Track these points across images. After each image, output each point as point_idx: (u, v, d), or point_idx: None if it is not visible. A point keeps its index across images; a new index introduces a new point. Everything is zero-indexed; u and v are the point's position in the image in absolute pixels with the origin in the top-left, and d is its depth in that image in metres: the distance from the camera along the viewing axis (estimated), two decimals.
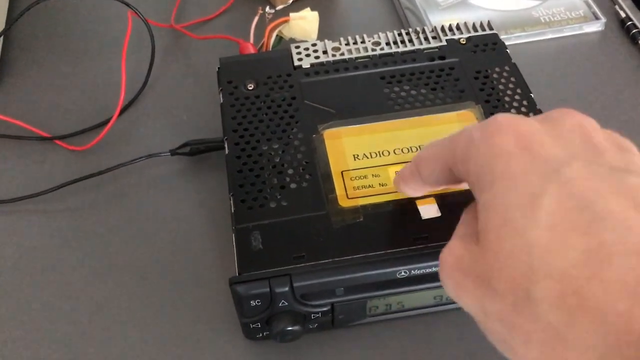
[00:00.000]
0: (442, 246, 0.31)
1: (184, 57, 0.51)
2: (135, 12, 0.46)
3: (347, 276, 0.31)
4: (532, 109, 0.38)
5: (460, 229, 0.26)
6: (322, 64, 0.41)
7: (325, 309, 0.32)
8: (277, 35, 0.46)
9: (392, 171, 0.35)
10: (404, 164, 0.35)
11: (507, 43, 0.50)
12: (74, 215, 0.41)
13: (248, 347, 0.35)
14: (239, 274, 0.31)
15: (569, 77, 0.48)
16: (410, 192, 0.31)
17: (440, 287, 0.32)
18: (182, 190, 0.42)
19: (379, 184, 0.35)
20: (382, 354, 0.35)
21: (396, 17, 0.53)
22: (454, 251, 0.25)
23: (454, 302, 0.35)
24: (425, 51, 0.41)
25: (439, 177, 0.27)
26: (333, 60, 0.41)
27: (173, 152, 0.42)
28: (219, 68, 0.41)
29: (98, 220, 0.40)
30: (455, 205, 0.33)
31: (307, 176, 0.35)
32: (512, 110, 0.38)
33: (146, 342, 0.35)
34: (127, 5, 0.46)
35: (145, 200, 0.41)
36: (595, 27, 0.51)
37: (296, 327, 0.32)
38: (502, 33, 0.50)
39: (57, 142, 0.45)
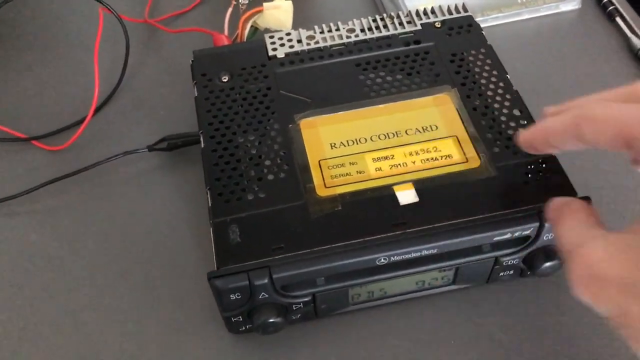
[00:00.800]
0: (421, 232, 0.31)
1: (159, 52, 0.50)
2: (107, 8, 0.46)
3: (327, 265, 0.31)
4: (509, 91, 0.38)
5: (591, 232, 0.26)
6: (296, 53, 0.41)
7: (306, 299, 0.32)
8: (251, 26, 0.46)
9: (369, 158, 0.35)
10: (381, 151, 0.35)
11: (484, 25, 0.50)
12: (53, 216, 0.40)
13: (232, 341, 0.34)
14: (217, 268, 0.31)
15: (547, 56, 0.48)
16: (538, 148, 0.30)
17: (421, 272, 0.33)
18: (161, 186, 0.41)
19: (357, 171, 0.34)
20: (368, 341, 0.34)
21: (372, 2, 0.53)
22: (591, 257, 0.24)
23: (437, 287, 0.35)
24: (400, 36, 0.41)
25: (605, 141, 0.26)
26: (308, 49, 0.41)
27: (150, 148, 0.42)
28: (192, 61, 0.41)
29: (77, 219, 0.40)
30: (433, 190, 0.33)
31: (285, 167, 0.35)
32: (488, 93, 0.38)
33: (129, 339, 0.35)
34: (99, 1, 0.46)
35: (124, 198, 0.41)
36: (571, 5, 0.51)
37: (278, 319, 0.32)
38: (479, 15, 0.50)
39: (34, 142, 0.44)
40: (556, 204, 0.29)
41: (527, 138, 0.30)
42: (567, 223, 0.27)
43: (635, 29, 0.48)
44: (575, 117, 0.27)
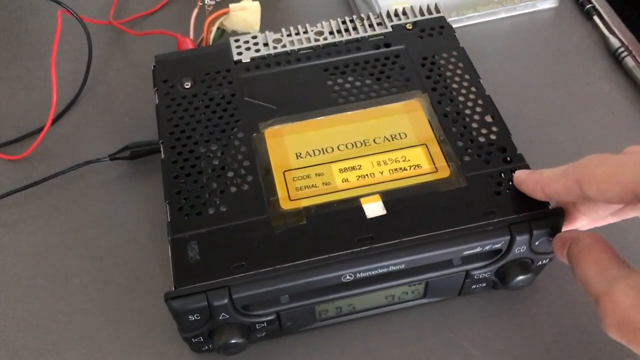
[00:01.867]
0: (388, 247, 0.30)
1: (124, 55, 0.48)
2: (67, 10, 0.44)
3: (289, 284, 0.29)
4: (481, 96, 0.36)
5: (613, 274, 0.25)
6: (263, 57, 0.39)
7: (270, 318, 0.31)
8: (218, 28, 0.44)
9: (336, 169, 0.33)
10: (348, 161, 0.34)
11: (459, 24, 0.49)
12: (10, 230, 0.39)
13: None
14: (175, 288, 0.29)
15: (523, 56, 0.47)
16: (535, 196, 0.30)
17: (390, 287, 0.31)
18: (123, 197, 0.40)
19: (323, 182, 0.33)
20: (337, 356, 0.33)
21: (345, 3, 0.51)
22: (620, 305, 0.24)
23: (407, 301, 0.34)
24: (370, 39, 0.40)
25: (613, 199, 0.26)
26: (274, 53, 0.39)
27: (112, 157, 0.40)
28: (154, 66, 0.39)
29: (36, 232, 0.39)
30: (401, 202, 0.32)
31: (248, 179, 0.33)
32: (460, 98, 0.36)
33: (87, 358, 0.33)
34: (58, 2, 0.44)
35: (86, 209, 0.39)
36: (549, 3, 0.50)
37: (240, 340, 0.30)
38: (454, 14, 0.48)
39: None
40: (565, 240, 0.29)
41: (525, 189, 0.31)
42: (587, 266, 0.27)
43: (613, 27, 0.47)
44: (576, 181, 0.27)
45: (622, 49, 0.45)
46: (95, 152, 0.41)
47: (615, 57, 0.46)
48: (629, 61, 0.45)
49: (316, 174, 0.33)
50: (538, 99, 0.44)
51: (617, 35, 0.47)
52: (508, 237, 0.30)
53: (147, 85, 0.45)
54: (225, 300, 0.29)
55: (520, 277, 0.32)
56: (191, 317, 0.29)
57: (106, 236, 0.38)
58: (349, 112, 0.36)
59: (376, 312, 0.34)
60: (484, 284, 0.34)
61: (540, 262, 0.33)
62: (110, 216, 0.39)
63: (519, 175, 0.31)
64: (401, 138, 0.35)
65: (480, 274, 0.32)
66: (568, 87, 0.45)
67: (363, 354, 0.33)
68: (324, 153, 0.34)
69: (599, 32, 0.47)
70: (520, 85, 0.45)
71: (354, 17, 0.41)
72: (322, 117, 0.36)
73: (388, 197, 0.32)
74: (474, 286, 0.34)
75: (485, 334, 0.34)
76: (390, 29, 0.40)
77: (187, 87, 0.38)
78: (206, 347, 0.32)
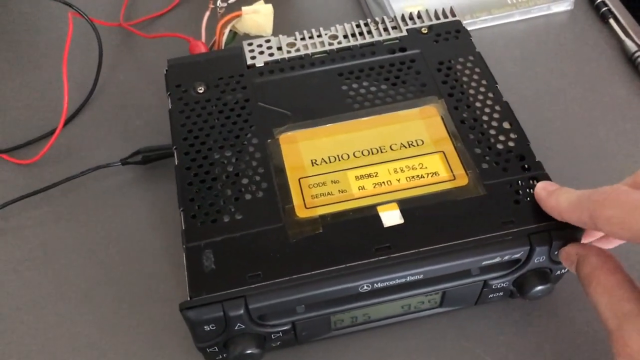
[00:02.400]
0: (406, 257, 0.29)
1: (134, 58, 0.48)
2: (78, 12, 0.43)
3: (306, 294, 0.29)
4: (498, 102, 0.36)
5: (626, 309, 0.25)
6: (276, 61, 0.39)
7: (285, 327, 0.31)
8: (230, 31, 0.43)
9: (352, 176, 0.33)
10: (364, 168, 0.33)
11: (472, 27, 0.48)
12: (21, 234, 0.39)
13: None
14: (190, 297, 0.29)
15: (538, 59, 0.46)
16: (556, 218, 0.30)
17: (408, 297, 0.31)
18: (135, 202, 0.39)
19: (339, 190, 0.33)
20: None
21: (358, 6, 0.51)
22: (631, 347, 0.24)
23: (423, 310, 0.33)
24: (385, 43, 0.39)
25: (623, 238, 0.26)
26: (288, 58, 0.39)
27: (124, 162, 0.40)
28: (166, 71, 0.39)
29: (46, 237, 0.38)
30: (418, 210, 0.31)
31: (263, 186, 0.33)
32: (477, 104, 0.36)
33: None
34: (68, 5, 0.43)
35: (96, 215, 0.39)
36: (564, 6, 0.49)
37: (255, 350, 0.30)
38: (468, 17, 0.48)
39: (2, 155, 0.42)
40: (570, 254, 0.29)
41: (544, 209, 0.30)
42: (598, 293, 0.26)
43: (630, 31, 0.47)
44: (590, 217, 0.27)
45: (638, 53, 0.45)
46: (106, 156, 0.41)
47: (631, 61, 0.45)
48: None
49: (332, 181, 0.33)
50: (553, 103, 0.44)
51: (634, 38, 0.46)
52: (527, 247, 0.30)
53: (158, 88, 0.45)
54: (242, 311, 0.28)
55: (539, 287, 0.31)
56: (206, 328, 0.29)
57: (118, 242, 0.38)
58: (364, 118, 0.36)
59: (391, 321, 0.34)
60: (501, 294, 0.33)
61: (559, 272, 0.32)
62: (121, 222, 0.39)
63: (539, 194, 0.31)
64: (418, 145, 0.34)
65: (498, 283, 0.32)
66: (584, 92, 0.44)
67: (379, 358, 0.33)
68: (339, 160, 0.34)
69: (615, 36, 0.47)
70: (535, 89, 0.44)
71: (369, 20, 0.40)
72: (337, 123, 0.35)
73: (405, 206, 0.31)
74: (491, 295, 0.33)
75: (502, 344, 0.33)
76: (405, 33, 0.40)
77: (201, 92, 0.37)
78: (220, 357, 0.32)
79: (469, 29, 0.41)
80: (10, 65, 0.48)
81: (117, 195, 0.40)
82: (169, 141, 0.39)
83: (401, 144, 0.34)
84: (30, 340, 0.34)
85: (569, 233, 0.30)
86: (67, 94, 0.41)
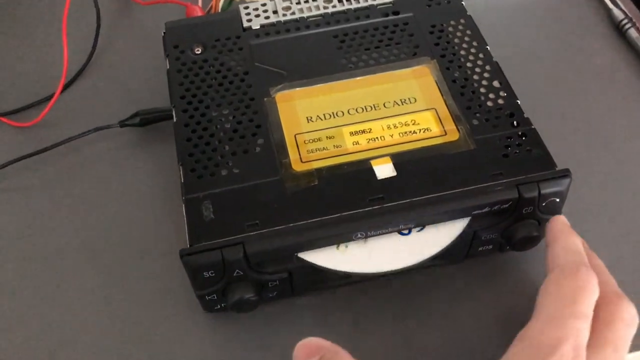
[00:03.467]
0: (399, 206, 0.30)
1: (132, 24, 0.48)
2: None
3: (302, 240, 0.30)
4: (488, 62, 0.37)
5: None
6: (272, 24, 0.40)
7: (283, 275, 0.32)
8: None
9: (346, 132, 0.34)
10: (358, 124, 0.34)
11: None
12: (22, 194, 0.39)
13: (207, 320, 0.34)
14: (190, 245, 0.30)
15: (526, 27, 0.47)
16: None
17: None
18: (134, 163, 0.40)
19: (334, 145, 0.34)
20: (346, 317, 0.34)
21: None
22: None
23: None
24: (379, 7, 0.40)
25: None
26: (284, 20, 0.40)
27: (122, 124, 0.41)
28: (164, 33, 0.40)
29: (47, 197, 0.39)
30: (410, 164, 0.32)
31: (260, 141, 0.34)
32: (468, 64, 0.37)
33: (100, 321, 0.34)
34: None
35: (96, 175, 0.40)
36: None
37: (253, 296, 0.31)
38: None
39: (1, 118, 0.43)
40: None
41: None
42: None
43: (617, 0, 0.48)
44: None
45: (625, 21, 0.46)
46: (105, 119, 0.42)
47: (619, 29, 0.46)
48: (633, 32, 0.45)
49: (327, 137, 0.34)
50: (540, 69, 0.45)
51: (621, 6, 0.47)
52: (516, 197, 0.31)
53: (155, 53, 0.46)
54: (240, 256, 0.29)
55: (527, 237, 0.32)
56: (206, 274, 0.30)
57: (117, 201, 0.39)
58: (358, 78, 0.36)
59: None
60: (490, 246, 0.34)
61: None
62: (120, 182, 0.39)
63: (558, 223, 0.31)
64: (410, 102, 0.35)
65: (487, 234, 0.33)
66: (570, 58, 0.45)
67: (372, 313, 0.34)
68: (334, 117, 0.35)
69: (603, 4, 0.48)
70: (523, 56, 0.45)
71: None
72: (332, 82, 0.36)
73: (398, 159, 0.32)
74: (480, 248, 0.34)
75: (491, 296, 0.35)
76: None
77: (198, 52, 0.38)
78: (219, 306, 0.33)
79: None
80: (8, 30, 0.48)
81: (116, 156, 0.41)
82: (167, 104, 0.40)
83: (394, 101, 0.35)
84: (30, 299, 0.35)
85: (558, 182, 0.31)
86: (67, 57, 0.41)
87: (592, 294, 0.27)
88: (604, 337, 0.27)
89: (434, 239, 0.31)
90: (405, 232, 0.31)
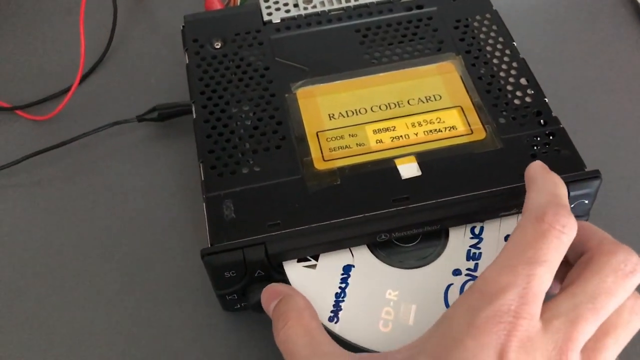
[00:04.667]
0: (424, 207, 0.30)
1: (149, 16, 0.48)
2: None
3: (325, 241, 0.29)
4: (515, 58, 0.36)
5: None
6: (293, 18, 0.39)
7: None
8: None
9: (369, 130, 0.33)
10: (382, 122, 0.34)
11: None
12: (38, 189, 0.39)
13: (226, 319, 0.33)
14: (211, 244, 0.29)
15: (557, 20, 0.46)
16: None
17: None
18: (152, 158, 0.40)
19: (357, 144, 0.33)
20: None
21: None
22: None
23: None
24: (402, 0, 0.39)
25: None
26: (305, 14, 0.39)
27: (140, 118, 0.40)
28: (183, 26, 0.39)
29: (63, 193, 0.39)
30: (436, 163, 0.31)
31: (281, 139, 0.33)
32: (494, 61, 0.36)
33: (118, 321, 0.34)
34: None
35: (113, 170, 0.39)
36: None
37: None
38: None
39: (18, 112, 0.42)
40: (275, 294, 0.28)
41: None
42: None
43: None
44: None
45: None
46: (122, 113, 0.41)
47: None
48: None
49: (350, 135, 0.33)
50: (568, 65, 0.44)
51: None
52: None
53: (173, 46, 0.45)
54: (262, 256, 0.29)
55: None
56: (227, 274, 0.29)
57: (135, 198, 0.38)
58: (381, 74, 0.36)
59: None
60: None
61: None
62: (138, 178, 0.39)
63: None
64: (435, 100, 0.34)
65: None
66: (599, 56, 0.44)
67: None
68: (357, 114, 0.34)
69: (634, 3, 0.47)
70: (550, 53, 0.44)
71: None
72: (354, 79, 0.36)
73: (423, 159, 0.32)
74: None
75: None
76: None
77: (217, 47, 0.37)
78: (238, 306, 0.32)
79: None
80: (25, 23, 0.48)
81: (134, 152, 0.40)
82: (185, 99, 0.40)
83: (419, 99, 0.34)
84: (45, 295, 0.35)
85: (587, 183, 0.30)
86: (84, 50, 0.41)
87: (558, 238, 0.24)
88: (590, 289, 0.24)
89: None
90: None
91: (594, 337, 0.24)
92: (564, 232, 0.24)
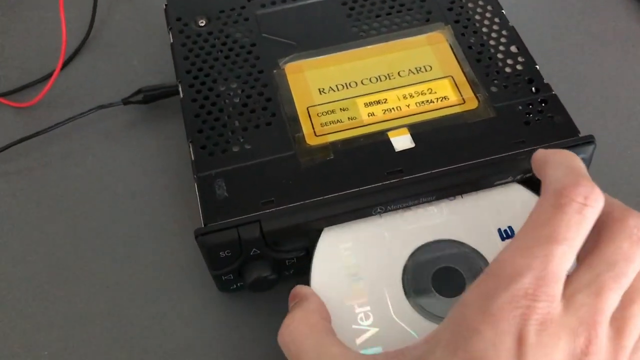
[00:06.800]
0: (418, 178, 0.29)
1: None
2: None
3: (320, 216, 0.29)
4: (505, 27, 0.35)
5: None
6: None
7: (300, 253, 0.31)
8: None
9: (361, 103, 0.33)
10: (373, 95, 0.33)
11: None
12: (24, 177, 0.38)
13: (222, 300, 0.33)
14: (204, 224, 0.29)
15: None
16: None
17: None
18: (139, 141, 0.39)
19: (348, 118, 0.32)
20: None
21: None
22: None
23: None
24: None
25: None
26: None
27: (125, 101, 0.39)
28: (166, 5, 0.38)
29: (51, 179, 0.38)
30: (429, 134, 0.31)
31: (271, 115, 0.33)
32: (484, 29, 0.35)
33: (114, 303, 0.33)
34: None
35: (100, 155, 0.39)
36: None
37: (270, 275, 0.30)
38: None
39: (0, 99, 0.41)
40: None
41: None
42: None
43: None
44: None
45: None
46: (107, 97, 0.40)
47: None
48: None
49: (341, 109, 0.33)
50: (558, 35, 0.43)
51: None
52: None
53: (155, 28, 0.44)
54: (257, 235, 0.28)
55: None
56: (222, 254, 0.29)
57: (124, 181, 0.37)
58: (370, 46, 0.35)
59: None
60: None
61: None
62: (127, 161, 0.38)
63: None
64: (426, 70, 0.34)
65: None
66: (589, 23, 0.44)
67: None
68: (347, 88, 0.34)
69: None
70: (539, 21, 0.44)
71: None
72: (343, 52, 0.35)
73: (416, 130, 0.31)
74: None
75: None
76: None
77: (202, 25, 0.37)
78: (235, 286, 0.32)
79: None
80: (5, 8, 0.47)
81: (120, 135, 0.39)
82: (170, 80, 0.39)
83: (409, 70, 0.34)
84: (42, 281, 0.34)
85: (581, 148, 0.30)
86: (65, 34, 0.40)
87: (580, 213, 0.22)
88: (607, 258, 0.22)
89: None
90: None
91: (620, 306, 0.22)
92: (587, 205, 0.22)
